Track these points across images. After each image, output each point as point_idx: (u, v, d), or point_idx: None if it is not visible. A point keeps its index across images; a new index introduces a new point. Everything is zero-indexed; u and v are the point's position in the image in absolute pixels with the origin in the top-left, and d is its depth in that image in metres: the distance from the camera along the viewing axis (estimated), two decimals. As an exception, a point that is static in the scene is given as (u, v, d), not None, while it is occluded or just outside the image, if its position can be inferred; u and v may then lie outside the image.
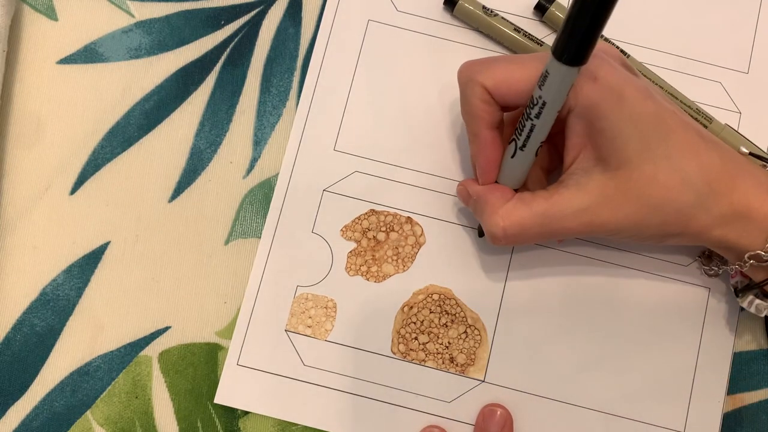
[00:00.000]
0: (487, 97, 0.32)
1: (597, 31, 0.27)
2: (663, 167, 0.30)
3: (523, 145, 0.32)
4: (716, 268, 0.36)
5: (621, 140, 0.30)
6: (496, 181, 0.34)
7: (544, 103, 0.30)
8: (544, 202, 0.32)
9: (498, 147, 0.33)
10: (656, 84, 0.37)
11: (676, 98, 0.37)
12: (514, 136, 0.32)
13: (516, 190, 0.34)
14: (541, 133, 0.31)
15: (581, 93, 0.30)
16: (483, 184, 0.34)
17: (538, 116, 0.31)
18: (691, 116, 0.37)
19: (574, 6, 0.27)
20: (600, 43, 0.32)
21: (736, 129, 0.38)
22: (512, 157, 0.33)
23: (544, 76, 0.30)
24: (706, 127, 0.37)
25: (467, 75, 0.32)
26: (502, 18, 0.38)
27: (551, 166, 0.36)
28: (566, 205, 0.31)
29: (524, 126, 0.31)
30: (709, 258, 0.36)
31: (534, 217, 0.32)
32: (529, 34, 0.38)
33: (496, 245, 0.36)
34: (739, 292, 0.34)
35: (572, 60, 0.28)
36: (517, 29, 0.38)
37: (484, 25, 0.38)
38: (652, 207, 0.31)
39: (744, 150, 0.36)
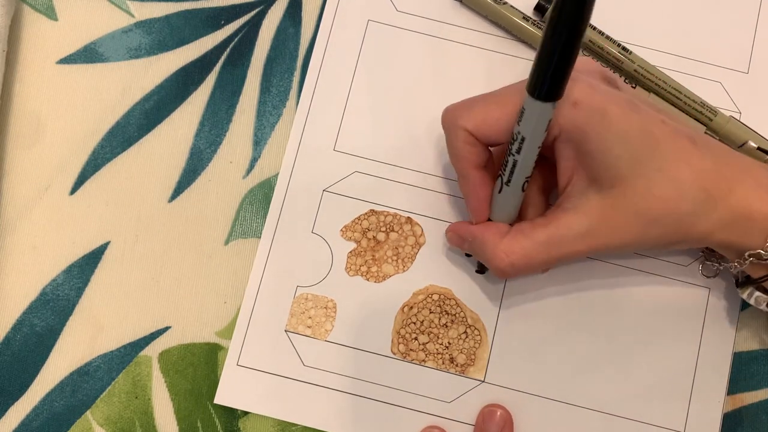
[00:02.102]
0: (471, 139, 0.32)
1: (568, 67, 0.27)
2: (656, 180, 0.30)
3: (509, 181, 0.32)
4: (718, 264, 0.36)
5: (611, 159, 0.30)
6: (489, 219, 0.34)
7: (523, 139, 0.30)
8: (544, 231, 0.32)
9: (487, 185, 0.33)
10: (658, 79, 0.37)
11: (680, 92, 0.37)
12: (500, 172, 0.32)
13: (510, 225, 0.34)
14: (525, 167, 0.31)
15: (563, 119, 0.30)
16: (476, 223, 0.34)
17: (518, 151, 0.31)
18: (695, 110, 0.37)
19: (542, 46, 0.27)
20: (577, 59, 0.31)
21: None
22: (499, 192, 0.33)
23: (521, 113, 0.30)
24: (710, 120, 0.37)
25: (449, 120, 0.33)
26: (511, 6, 0.38)
27: (549, 186, 0.35)
28: (567, 230, 0.31)
29: (507, 162, 0.32)
30: (712, 252, 0.36)
31: (537, 246, 0.32)
32: (538, 22, 0.38)
33: (504, 279, 0.36)
34: (740, 284, 0.34)
35: (547, 96, 0.28)
36: (526, 17, 0.38)
37: (493, 12, 0.38)
38: (651, 220, 0.31)
39: (753, 144, 0.36)
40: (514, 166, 0.31)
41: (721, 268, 0.36)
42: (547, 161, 0.34)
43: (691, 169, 0.30)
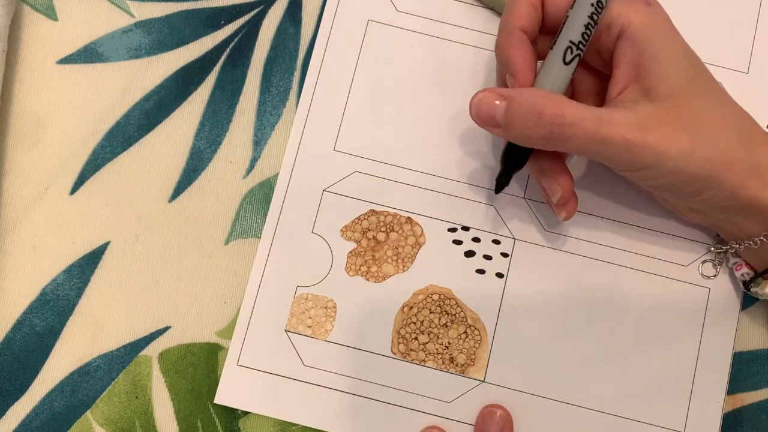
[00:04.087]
0: (537, 2, 0.32)
1: None
2: (710, 105, 0.31)
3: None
4: (726, 247, 0.36)
5: (675, 68, 0.30)
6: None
7: None
8: (599, 109, 0.30)
9: (531, 54, 0.32)
10: None
11: None
12: (555, 40, 0.31)
13: None
14: (576, 31, 0.31)
15: (635, 13, 0.30)
16: (521, 86, 0.31)
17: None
18: None
19: None
20: None
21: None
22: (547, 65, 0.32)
23: None
24: None
25: None
26: None
27: (601, 95, 0.34)
28: (621, 116, 0.30)
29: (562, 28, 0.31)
30: (723, 242, 0.36)
31: (591, 114, 0.29)
32: None
33: (541, 134, 0.30)
34: (749, 283, 0.34)
35: None
36: None
37: (499, 4, 0.38)
38: (702, 139, 0.30)
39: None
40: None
41: (719, 271, 0.36)
42: (600, 75, 0.34)
43: (735, 109, 0.32)
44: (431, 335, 0.36)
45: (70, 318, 0.37)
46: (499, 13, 0.39)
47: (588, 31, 0.31)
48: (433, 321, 0.36)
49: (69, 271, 0.37)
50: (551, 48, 0.32)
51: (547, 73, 0.31)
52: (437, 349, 0.36)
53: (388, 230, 0.37)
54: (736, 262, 0.35)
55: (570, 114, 0.29)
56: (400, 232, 0.37)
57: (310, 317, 0.36)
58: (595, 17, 0.30)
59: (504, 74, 0.33)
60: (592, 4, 0.30)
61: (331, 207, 0.37)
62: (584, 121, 0.29)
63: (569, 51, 0.31)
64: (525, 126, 0.30)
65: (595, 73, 0.34)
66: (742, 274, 0.35)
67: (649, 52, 0.30)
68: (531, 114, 0.30)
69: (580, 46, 0.31)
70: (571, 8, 0.31)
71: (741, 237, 0.34)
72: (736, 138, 0.30)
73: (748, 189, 0.31)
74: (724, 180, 0.30)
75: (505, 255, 0.37)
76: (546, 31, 0.33)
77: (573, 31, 0.31)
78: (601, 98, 0.34)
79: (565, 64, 0.31)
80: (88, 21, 0.39)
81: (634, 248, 0.37)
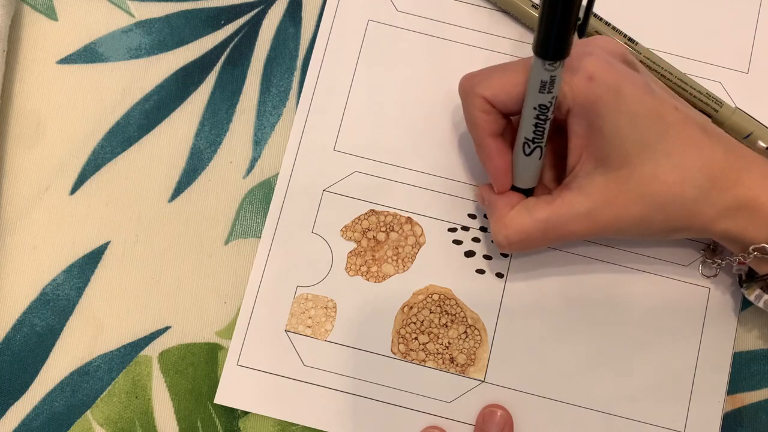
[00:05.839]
0: (488, 107, 0.32)
1: (567, 27, 0.28)
2: (663, 164, 0.30)
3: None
4: (719, 261, 0.36)
5: (620, 139, 0.30)
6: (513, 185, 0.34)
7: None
8: (547, 208, 0.32)
9: (504, 153, 0.33)
10: (664, 70, 0.37)
11: (686, 83, 0.37)
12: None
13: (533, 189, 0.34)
14: (532, 131, 0.32)
15: (578, 92, 0.30)
16: (499, 191, 0.34)
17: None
18: (701, 101, 0.37)
19: (542, 5, 0.27)
20: (599, 38, 0.32)
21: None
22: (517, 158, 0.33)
23: (529, 74, 0.30)
24: (716, 111, 0.37)
25: (466, 88, 0.33)
26: None
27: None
28: (568, 210, 0.32)
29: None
30: (714, 251, 0.36)
31: (536, 224, 0.32)
32: None
33: (502, 251, 0.36)
34: (744, 282, 0.34)
35: (545, 53, 0.29)
36: (535, 6, 0.38)
37: (503, 0, 0.38)
38: (655, 205, 0.31)
39: (762, 144, 0.36)
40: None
41: (723, 264, 0.36)
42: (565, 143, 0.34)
43: (701, 156, 0.31)
44: (431, 335, 0.36)
45: (70, 318, 0.37)
46: (510, 15, 0.39)
47: (539, 129, 0.31)
48: (433, 321, 0.36)
49: (69, 271, 0.37)
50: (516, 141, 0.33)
51: (517, 165, 0.33)
52: (437, 349, 0.36)
53: (388, 230, 0.37)
54: (736, 259, 0.35)
55: (518, 239, 0.33)
56: (400, 232, 0.37)
57: (310, 317, 0.36)
58: (542, 117, 0.31)
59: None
60: (535, 108, 0.31)
61: (331, 207, 0.37)
62: (532, 234, 0.32)
63: (526, 146, 0.32)
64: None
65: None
66: (739, 270, 0.35)
67: (595, 128, 0.31)
68: (491, 234, 0.34)
69: (536, 140, 0.32)
70: (523, 108, 0.32)
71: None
72: (695, 192, 0.30)
73: (715, 228, 0.31)
74: (687, 229, 0.32)
75: (505, 255, 0.37)
76: (510, 114, 0.33)
77: (526, 129, 0.32)
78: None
79: (526, 155, 0.32)
80: (88, 21, 0.39)
81: (634, 248, 0.37)
